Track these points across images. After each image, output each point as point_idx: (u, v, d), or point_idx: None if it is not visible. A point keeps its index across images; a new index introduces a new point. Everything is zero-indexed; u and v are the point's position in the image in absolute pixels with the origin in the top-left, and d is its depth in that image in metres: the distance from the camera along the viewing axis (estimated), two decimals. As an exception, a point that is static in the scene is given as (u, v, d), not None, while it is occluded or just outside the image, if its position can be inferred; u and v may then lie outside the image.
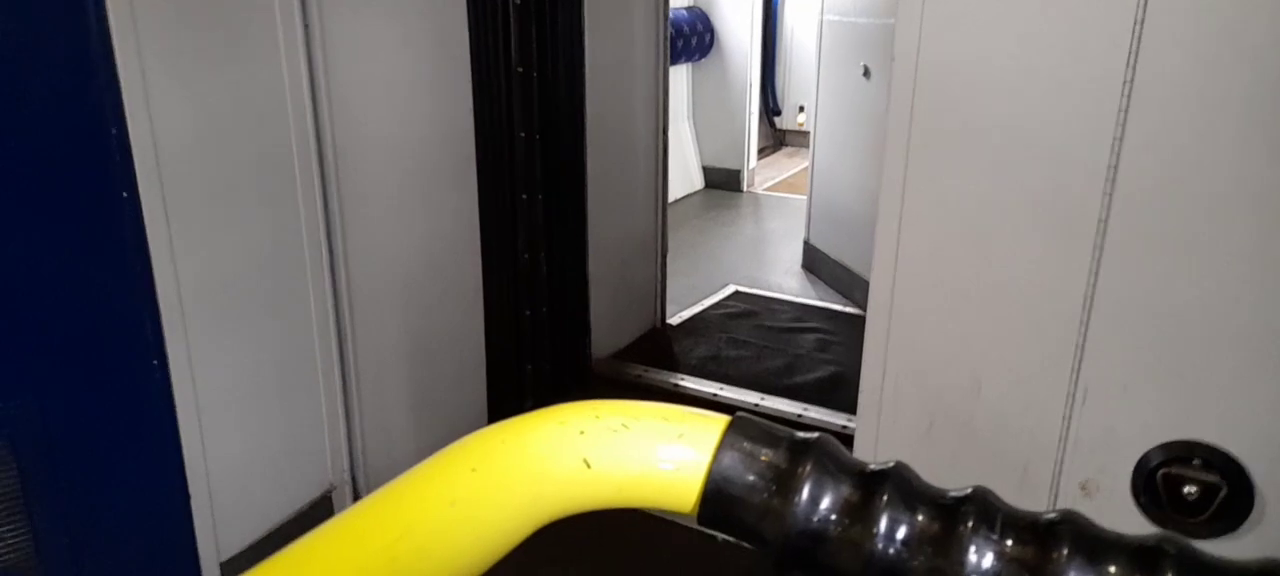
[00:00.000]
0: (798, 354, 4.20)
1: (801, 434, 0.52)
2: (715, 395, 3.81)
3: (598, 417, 0.53)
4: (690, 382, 3.94)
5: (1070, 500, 1.54)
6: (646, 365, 4.08)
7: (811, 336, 4.39)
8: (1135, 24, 1.34)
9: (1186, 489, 1.40)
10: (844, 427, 3.42)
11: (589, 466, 0.52)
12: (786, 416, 3.60)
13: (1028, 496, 1.57)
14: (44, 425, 1.82)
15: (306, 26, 2.38)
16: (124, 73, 1.90)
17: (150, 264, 2.00)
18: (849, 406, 3.39)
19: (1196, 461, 1.39)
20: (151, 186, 2.00)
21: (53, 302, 1.83)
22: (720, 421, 0.53)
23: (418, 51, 2.81)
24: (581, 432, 0.52)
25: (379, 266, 2.75)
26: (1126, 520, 1.47)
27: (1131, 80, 1.36)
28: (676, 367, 4.08)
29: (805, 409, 3.68)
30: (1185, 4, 1.32)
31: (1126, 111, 1.37)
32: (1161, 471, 1.42)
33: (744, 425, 0.52)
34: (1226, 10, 1.30)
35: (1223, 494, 1.36)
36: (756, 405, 3.70)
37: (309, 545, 0.49)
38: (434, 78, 2.88)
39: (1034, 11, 1.42)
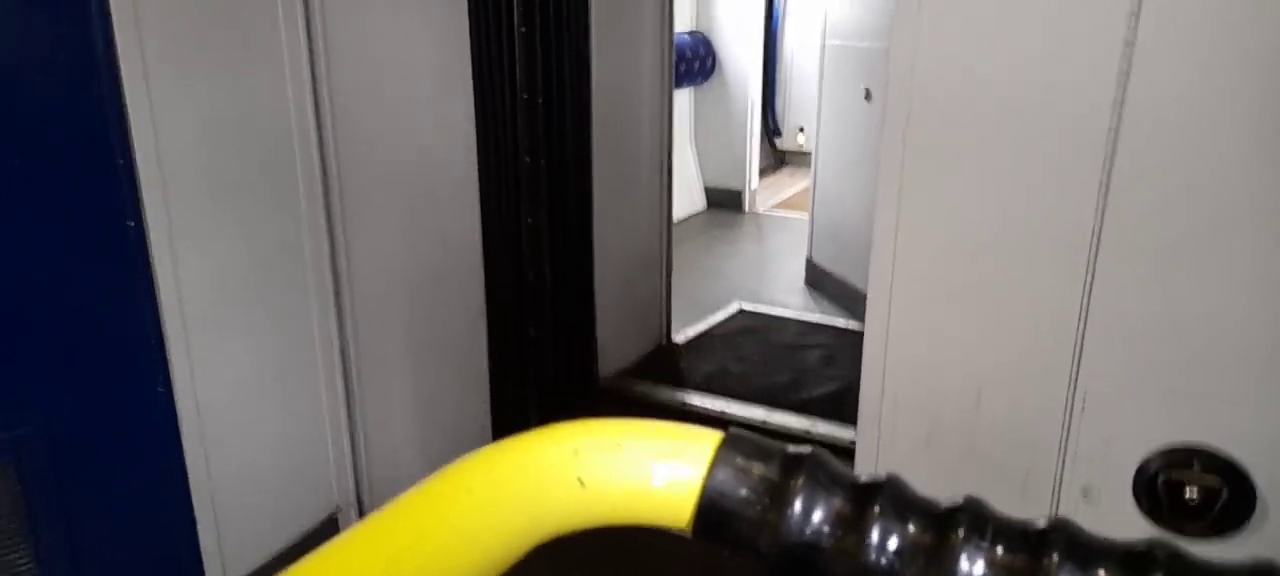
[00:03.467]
0: (804, 369, 4.20)
1: (794, 448, 0.52)
2: (722, 411, 3.81)
3: (591, 436, 0.53)
4: (698, 399, 3.94)
5: (1072, 506, 1.54)
6: (654, 382, 4.09)
7: (816, 352, 4.39)
8: (1125, 42, 1.35)
9: (1188, 493, 1.39)
10: (852, 443, 3.41)
11: (583, 485, 0.52)
12: (794, 431, 3.60)
13: (1030, 504, 1.57)
14: (48, 448, 1.82)
15: (310, 41, 2.39)
16: (128, 87, 1.90)
17: (154, 284, 2.00)
18: (855, 420, 3.38)
19: (1197, 466, 1.39)
20: (156, 203, 1.99)
21: (57, 321, 1.83)
22: (713, 437, 0.53)
23: (422, 67, 2.83)
24: (575, 452, 0.53)
25: (383, 285, 2.75)
26: (1128, 525, 1.47)
27: (1124, 91, 1.36)
28: (683, 384, 4.09)
29: (813, 423, 3.68)
30: (1177, 16, 1.33)
31: (1119, 124, 1.38)
32: (1162, 476, 1.41)
33: (737, 440, 0.53)
34: (1219, 22, 1.31)
35: (1224, 497, 1.36)
36: (763, 421, 3.70)
37: (304, 570, 0.50)
38: (438, 94, 2.90)
39: (1027, 28, 1.43)
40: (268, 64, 2.31)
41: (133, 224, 1.92)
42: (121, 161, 1.88)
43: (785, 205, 7.45)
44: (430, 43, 2.85)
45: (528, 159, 3.32)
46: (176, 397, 2.08)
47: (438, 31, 2.87)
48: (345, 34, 2.48)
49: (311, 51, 2.40)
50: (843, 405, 3.79)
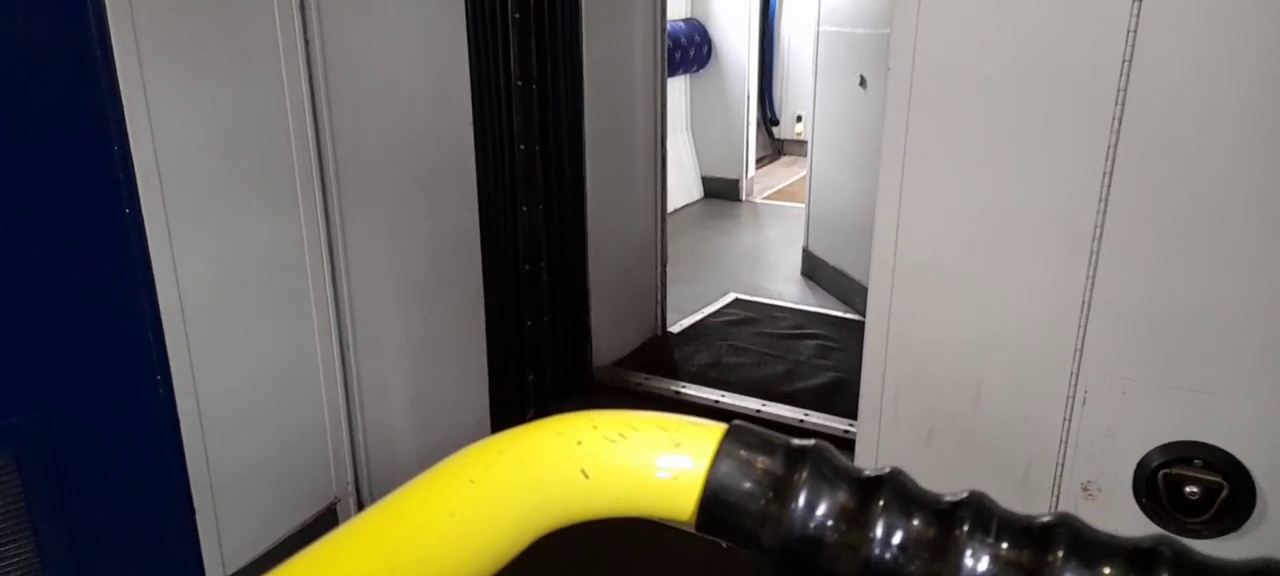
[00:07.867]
0: (798, 360, 4.20)
1: (798, 441, 0.52)
2: (716, 402, 3.80)
3: (595, 427, 0.53)
4: (691, 390, 3.94)
5: (1072, 502, 1.55)
6: (648, 373, 4.09)
7: (812, 342, 4.39)
8: (1129, 31, 1.34)
9: (1188, 489, 1.40)
10: (845, 433, 3.42)
11: (586, 476, 0.52)
12: (788, 422, 3.60)
13: (1030, 499, 1.57)
14: (48, 439, 1.82)
15: (307, 39, 2.39)
16: (125, 86, 1.90)
17: (153, 277, 2.01)
18: (850, 412, 3.39)
19: (1197, 461, 1.39)
20: (153, 200, 2.00)
21: (56, 315, 1.83)
22: (717, 429, 0.53)
23: (418, 62, 2.82)
24: (579, 443, 0.53)
25: (380, 277, 2.75)
26: (1128, 521, 1.47)
27: (1126, 86, 1.36)
28: (677, 375, 4.08)
29: (806, 415, 3.68)
30: (1179, 9, 1.32)
31: (1121, 116, 1.37)
32: (1162, 472, 1.42)
33: (741, 432, 0.52)
34: (1220, 14, 1.30)
35: (1224, 493, 1.36)
36: (757, 411, 3.70)
37: (307, 560, 0.49)
38: (434, 88, 2.89)
39: (1029, 18, 1.43)
40: (265, 65, 2.30)
41: (129, 216, 1.92)
42: (118, 156, 1.88)
43: (782, 194, 7.45)
44: (427, 32, 2.84)
45: (522, 145, 3.33)
46: (175, 388, 2.08)
47: (435, 21, 2.85)
48: (342, 25, 2.47)
49: (308, 44, 2.40)
50: (838, 397, 3.79)
